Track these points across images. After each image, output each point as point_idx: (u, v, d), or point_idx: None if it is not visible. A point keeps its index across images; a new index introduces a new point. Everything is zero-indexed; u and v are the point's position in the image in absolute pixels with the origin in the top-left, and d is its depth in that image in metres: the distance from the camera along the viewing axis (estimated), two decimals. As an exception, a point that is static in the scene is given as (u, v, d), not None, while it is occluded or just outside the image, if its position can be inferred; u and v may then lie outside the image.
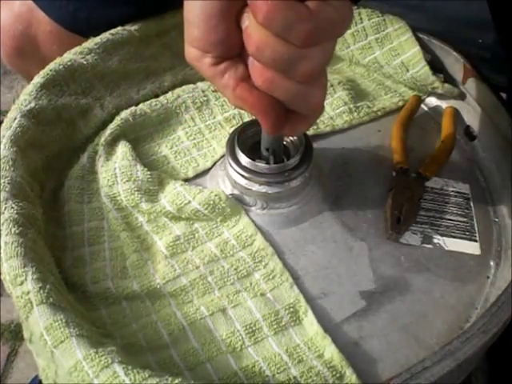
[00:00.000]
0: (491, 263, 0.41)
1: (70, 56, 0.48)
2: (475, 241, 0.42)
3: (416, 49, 0.51)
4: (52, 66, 0.46)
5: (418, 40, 0.52)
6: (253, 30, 0.29)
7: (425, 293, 0.38)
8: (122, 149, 0.45)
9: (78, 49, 0.48)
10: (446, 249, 0.41)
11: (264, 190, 0.41)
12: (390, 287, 0.39)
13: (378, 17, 0.53)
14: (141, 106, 0.49)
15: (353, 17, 0.31)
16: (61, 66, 0.46)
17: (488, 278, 0.40)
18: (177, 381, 0.28)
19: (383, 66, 0.53)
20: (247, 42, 0.30)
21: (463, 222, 0.43)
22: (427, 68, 0.50)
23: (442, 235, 0.42)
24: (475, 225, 0.43)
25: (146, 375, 0.28)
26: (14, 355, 0.84)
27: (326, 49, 0.30)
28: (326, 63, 0.31)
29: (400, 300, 0.38)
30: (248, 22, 0.29)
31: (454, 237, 0.42)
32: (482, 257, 0.41)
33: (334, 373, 0.33)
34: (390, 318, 0.37)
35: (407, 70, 0.52)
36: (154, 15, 0.53)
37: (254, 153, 0.42)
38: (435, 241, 0.42)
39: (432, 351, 0.31)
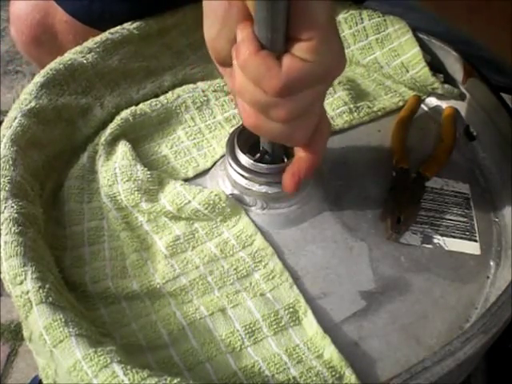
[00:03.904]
0: (491, 263, 0.41)
1: (70, 55, 0.48)
2: (475, 241, 0.42)
3: (416, 50, 0.51)
4: (52, 65, 0.46)
5: (418, 40, 0.52)
6: (236, 71, 0.32)
7: (425, 293, 0.38)
8: (122, 148, 0.45)
9: (78, 48, 0.48)
10: (446, 249, 0.41)
11: (264, 190, 0.41)
12: (390, 287, 0.38)
13: (379, 17, 0.53)
14: (141, 105, 0.49)
15: (344, 65, 0.33)
16: (61, 66, 0.46)
17: (488, 278, 0.40)
18: (175, 381, 0.28)
19: (383, 66, 0.53)
20: (233, 81, 0.34)
21: (463, 221, 0.43)
22: (427, 69, 0.50)
23: (442, 235, 0.42)
24: (475, 225, 0.43)
25: (145, 375, 0.28)
26: (14, 355, 0.83)
27: (304, 97, 0.32)
28: (310, 106, 0.33)
29: (400, 300, 0.38)
30: (235, 55, 0.32)
31: (454, 237, 0.42)
32: (481, 257, 0.41)
33: (333, 373, 0.33)
34: (389, 318, 0.37)
35: (407, 71, 0.52)
36: (167, 12, 0.53)
37: (253, 153, 0.42)
38: (435, 241, 0.42)
39: (432, 351, 0.31)
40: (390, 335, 0.36)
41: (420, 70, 0.51)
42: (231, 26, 0.32)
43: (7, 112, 0.43)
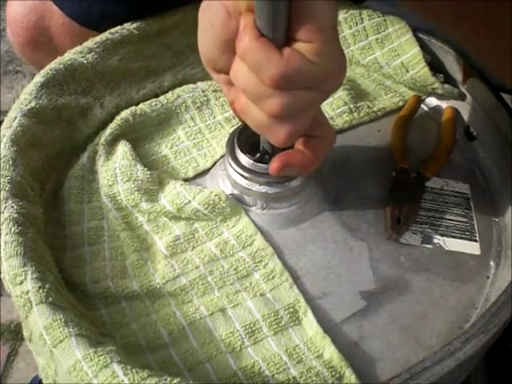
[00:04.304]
0: (491, 263, 0.41)
1: (70, 55, 0.48)
2: (475, 241, 0.42)
3: (416, 50, 0.51)
4: (52, 65, 0.46)
5: (418, 40, 0.52)
6: (236, 57, 0.32)
7: (425, 293, 0.38)
8: (122, 148, 0.45)
9: (78, 48, 0.49)
10: (446, 249, 0.41)
11: (264, 190, 0.41)
12: (390, 287, 0.38)
13: (379, 17, 0.53)
14: (141, 105, 0.49)
15: (344, 75, 0.33)
16: (61, 66, 0.46)
17: (488, 278, 0.40)
18: (175, 381, 0.28)
19: (383, 66, 0.53)
20: (228, 88, 0.35)
21: (463, 221, 0.43)
22: (426, 69, 0.50)
23: (442, 235, 0.42)
24: (475, 225, 0.43)
25: (145, 375, 0.28)
26: (14, 355, 0.83)
27: (299, 96, 0.31)
28: (301, 108, 0.32)
29: (400, 300, 0.38)
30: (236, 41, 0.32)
31: (454, 237, 0.42)
32: (481, 257, 0.41)
33: (333, 373, 0.33)
34: (389, 318, 0.37)
35: (407, 71, 0.52)
36: (167, 12, 0.53)
37: (254, 153, 0.42)
38: (435, 241, 0.42)
39: (432, 351, 0.31)
40: (390, 335, 0.36)
41: (420, 70, 0.51)
42: (228, 37, 0.32)
43: (7, 112, 0.43)
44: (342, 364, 0.33)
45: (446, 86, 0.51)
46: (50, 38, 0.57)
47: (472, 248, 0.41)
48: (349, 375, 0.33)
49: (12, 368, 0.82)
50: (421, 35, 0.53)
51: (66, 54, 0.48)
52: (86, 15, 0.54)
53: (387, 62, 0.53)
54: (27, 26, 0.57)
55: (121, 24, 0.51)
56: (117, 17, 0.51)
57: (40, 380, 0.32)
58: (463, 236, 0.42)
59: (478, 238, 0.42)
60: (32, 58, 0.60)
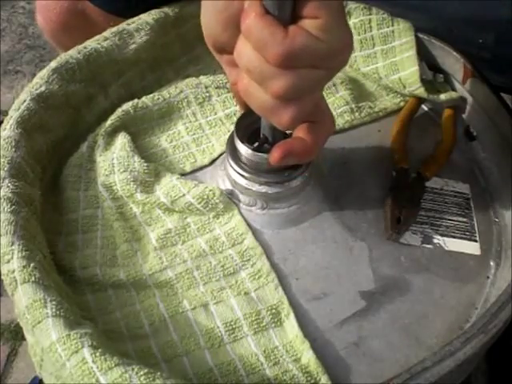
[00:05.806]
0: (491, 263, 0.41)
1: (86, 43, 0.48)
2: (475, 241, 0.42)
3: (414, 68, 0.50)
4: (69, 52, 0.47)
5: (418, 40, 0.52)
6: (240, 36, 0.31)
7: (425, 293, 0.38)
8: (121, 140, 0.45)
9: (95, 37, 0.49)
10: (446, 249, 0.41)
11: (264, 190, 0.41)
12: (390, 287, 0.38)
13: (388, 27, 0.52)
14: (143, 99, 0.49)
15: (350, 53, 0.32)
16: (77, 52, 0.47)
17: (488, 278, 0.40)
18: (142, 372, 0.28)
19: (382, 77, 0.52)
20: (230, 69, 0.35)
21: (463, 222, 0.43)
22: (422, 89, 0.49)
23: (442, 235, 0.42)
24: (475, 225, 0.43)
25: (113, 364, 0.28)
26: (14, 355, 0.83)
27: (305, 75, 0.30)
28: (306, 88, 0.31)
29: (400, 300, 0.38)
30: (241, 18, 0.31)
31: (454, 237, 0.42)
32: (481, 257, 0.41)
33: (308, 378, 0.33)
34: (390, 318, 0.37)
35: (404, 87, 0.51)
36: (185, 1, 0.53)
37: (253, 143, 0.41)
38: (435, 241, 0.42)
39: (432, 351, 0.31)
40: (390, 335, 0.36)
41: (416, 89, 0.50)
42: (231, 13, 0.31)
43: (7, 112, 0.43)
44: (319, 370, 0.33)
45: (443, 95, 0.50)
46: (85, 18, 0.57)
47: (472, 248, 0.41)
48: (324, 382, 0.33)
49: (12, 368, 0.82)
50: (421, 35, 0.52)
51: (83, 44, 0.48)
52: (111, 3, 0.54)
53: (386, 75, 0.52)
54: (60, 10, 0.57)
55: (145, 11, 0.51)
56: (142, 5, 0.51)
57: (40, 380, 0.33)
58: (463, 236, 0.42)
59: (477, 238, 0.42)
60: (65, 42, 0.60)
